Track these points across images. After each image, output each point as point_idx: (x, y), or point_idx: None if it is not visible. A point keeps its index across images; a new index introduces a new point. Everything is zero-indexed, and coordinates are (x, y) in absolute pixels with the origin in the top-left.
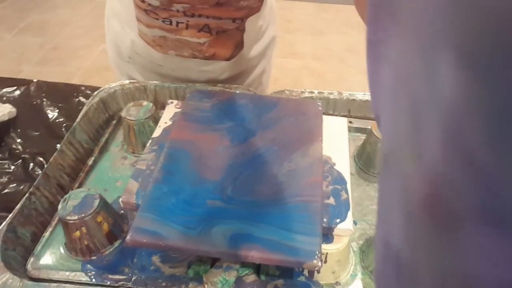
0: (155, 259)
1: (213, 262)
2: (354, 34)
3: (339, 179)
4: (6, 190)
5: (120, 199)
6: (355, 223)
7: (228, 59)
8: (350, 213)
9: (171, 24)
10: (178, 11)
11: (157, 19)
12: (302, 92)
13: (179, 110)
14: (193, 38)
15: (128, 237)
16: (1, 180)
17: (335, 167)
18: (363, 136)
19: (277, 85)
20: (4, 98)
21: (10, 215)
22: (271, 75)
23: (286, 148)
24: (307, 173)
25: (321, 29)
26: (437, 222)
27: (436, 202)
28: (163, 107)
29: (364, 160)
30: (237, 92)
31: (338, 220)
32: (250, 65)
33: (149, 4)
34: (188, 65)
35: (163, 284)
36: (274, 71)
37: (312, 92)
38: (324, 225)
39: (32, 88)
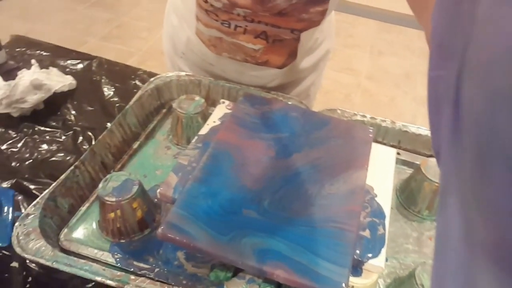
0: (180, 255)
1: (237, 270)
2: (414, 59)
3: (378, 212)
4: (53, 158)
5: (158, 191)
6: (385, 259)
7: (279, 67)
8: (384, 250)
9: (229, 27)
10: (238, 15)
11: (216, 20)
12: (355, 114)
13: (230, 111)
14: (248, 43)
15: (159, 230)
16: (51, 147)
17: (376, 198)
18: (409, 170)
19: (327, 98)
20: (67, 70)
21: (54, 184)
22: (319, 88)
23: (330, 170)
24: (346, 200)
25: (380, 48)
26: (501, 267)
27: (502, 247)
28: (213, 104)
29: (406, 195)
30: (290, 103)
31: (370, 255)
32: (300, 76)
33: (211, 5)
34: (238, 69)
35: (184, 281)
36: (326, 83)
37: (364, 116)
38: (355, 257)
39: (94, 64)
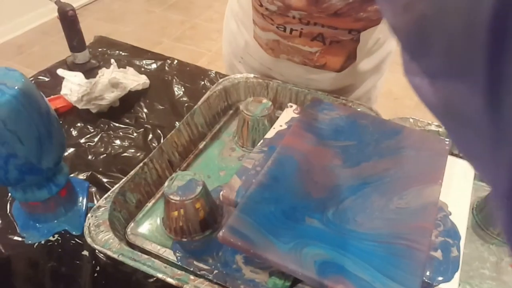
0: (239, 258)
1: (295, 280)
2: None
3: (452, 232)
4: (125, 154)
5: (221, 193)
6: (458, 284)
7: (338, 71)
8: (457, 275)
9: (284, 30)
10: (294, 17)
11: (272, 24)
12: (429, 124)
13: (297, 116)
14: (305, 46)
15: (220, 233)
16: (123, 143)
17: (450, 217)
18: (488, 187)
19: (397, 105)
20: (142, 69)
21: (124, 179)
22: (381, 91)
23: (400, 182)
24: (417, 216)
25: None
26: None
27: None
28: (280, 108)
29: (484, 215)
30: (359, 109)
31: (441, 278)
32: (361, 78)
33: (267, 9)
34: (296, 72)
35: (242, 286)
36: (396, 89)
37: (439, 126)
38: (425, 279)
39: (167, 64)
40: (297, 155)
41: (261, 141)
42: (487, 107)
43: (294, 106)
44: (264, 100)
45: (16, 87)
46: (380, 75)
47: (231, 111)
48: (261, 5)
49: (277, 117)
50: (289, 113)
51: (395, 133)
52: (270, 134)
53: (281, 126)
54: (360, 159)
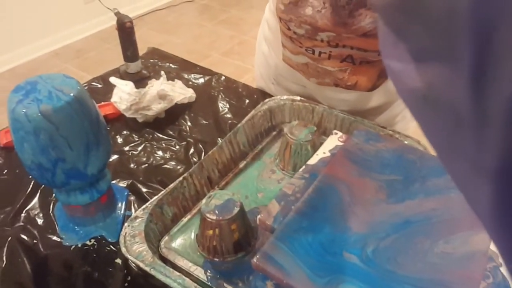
0: (269, 285)
1: None
2: None
3: (503, 286)
4: (165, 165)
5: (258, 217)
6: None
7: (370, 90)
8: None
9: (313, 53)
10: (322, 40)
11: (300, 47)
12: None
13: (342, 144)
14: (334, 68)
15: (254, 259)
16: (165, 155)
17: (501, 268)
18: None
19: None
20: (190, 83)
21: (162, 192)
22: None
23: (447, 225)
24: (464, 264)
25: None
26: None
27: None
28: (324, 133)
29: None
30: (406, 142)
31: None
32: (395, 96)
33: (295, 32)
34: (327, 93)
35: None
36: None
37: None
38: None
39: (214, 79)
40: (339, 185)
41: (303, 167)
42: (471, 90)
43: (339, 134)
44: (309, 125)
45: (71, 94)
46: None
47: (274, 132)
48: (289, 29)
49: (321, 143)
50: (333, 141)
51: (444, 171)
52: (312, 160)
53: (324, 153)
54: (405, 196)
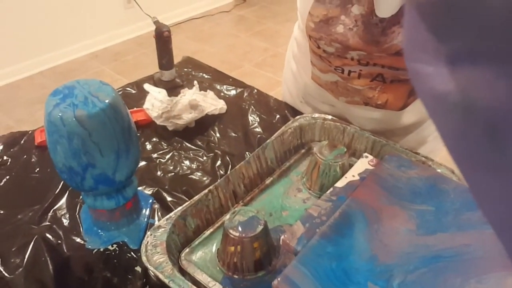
0: None
1: None
2: None
3: None
4: (191, 176)
5: (282, 237)
6: None
7: (400, 109)
8: None
9: (343, 72)
10: (352, 59)
11: (330, 66)
12: None
13: (372, 168)
14: (364, 87)
15: (275, 281)
16: (192, 165)
17: None
18: None
19: None
20: (222, 94)
21: (187, 203)
22: None
23: (480, 263)
24: None
25: None
26: None
27: None
28: (354, 154)
29: None
30: (439, 171)
31: None
32: (426, 116)
33: (324, 51)
34: (356, 112)
35: None
36: None
37: None
38: None
39: (246, 92)
40: (367, 211)
41: (331, 189)
42: None
43: (370, 157)
44: (339, 146)
45: (106, 101)
46: None
47: (303, 150)
48: (318, 47)
49: (350, 165)
50: (363, 164)
51: None
52: (341, 183)
53: (353, 176)
54: (437, 228)
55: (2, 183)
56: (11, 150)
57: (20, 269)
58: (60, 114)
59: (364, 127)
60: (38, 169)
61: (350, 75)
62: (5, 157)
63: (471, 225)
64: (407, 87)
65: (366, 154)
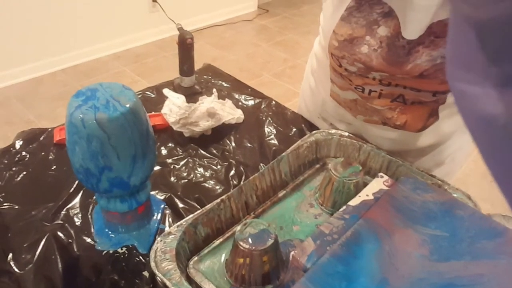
0: None
1: None
2: None
3: None
4: (204, 183)
5: (292, 253)
6: None
7: (419, 131)
8: None
9: (363, 91)
10: (374, 79)
11: (350, 84)
12: None
13: (387, 188)
14: (384, 107)
15: None
16: (205, 173)
17: None
18: None
19: (493, 188)
20: (240, 103)
21: (199, 212)
22: (468, 153)
23: None
24: None
25: None
26: None
27: None
28: (368, 173)
29: None
30: (455, 195)
31: None
32: (444, 138)
33: (346, 69)
34: (374, 132)
35: None
36: None
37: None
38: None
39: (264, 103)
40: (380, 233)
41: (344, 207)
42: None
43: (385, 177)
44: (355, 164)
45: (127, 106)
46: (467, 135)
47: (317, 165)
48: (340, 66)
49: (364, 183)
50: (378, 184)
51: (496, 234)
52: (354, 201)
53: (367, 195)
54: (450, 255)
55: (19, 179)
56: (30, 146)
57: (30, 265)
58: (81, 116)
59: (380, 147)
60: (54, 166)
61: (370, 94)
62: (23, 153)
63: (485, 254)
64: (428, 109)
65: (381, 174)
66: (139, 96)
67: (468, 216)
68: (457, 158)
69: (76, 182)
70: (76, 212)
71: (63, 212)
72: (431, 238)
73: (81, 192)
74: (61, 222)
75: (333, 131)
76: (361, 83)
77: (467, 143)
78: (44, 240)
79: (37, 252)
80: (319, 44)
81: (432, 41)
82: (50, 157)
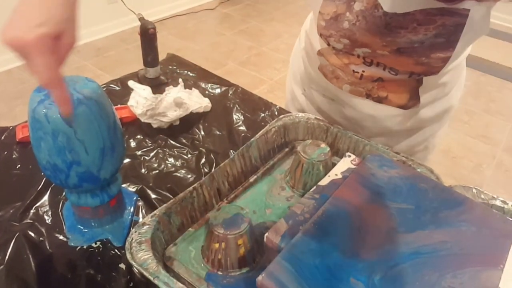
0: None
1: None
2: None
3: None
4: (176, 173)
5: (266, 235)
6: None
7: (402, 107)
8: None
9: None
10: (358, 56)
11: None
12: (493, 198)
13: (354, 167)
14: (366, 83)
15: (260, 277)
16: (176, 162)
17: None
18: None
19: (454, 163)
20: (206, 92)
21: (172, 201)
22: (440, 142)
23: (456, 259)
24: None
25: None
26: None
27: None
28: (337, 154)
29: None
30: (419, 170)
31: None
32: (421, 125)
33: (333, 48)
34: (356, 105)
35: None
36: (456, 148)
37: (505, 203)
38: None
39: (231, 91)
40: (349, 210)
41: (314, 187)
42: None
43: (352, 157)
44: (323, 145)
45: (92, 98)
46: (440, 125)
47: (286, 149)
48: (328, 44)
49: (333, 164)
50: (346, 163)
51: (456, 204)
52: (324, 181)
53: (336, 175)
54: (416, 226)
55: None
56: None
57: (1, 266)
58: (44, 111)
59: (361, 123)
60: (19, 165)
61: (353, 74)
62: None
63: (448, 223)
64: (407, 87)
65: (348, 153)
66: (104, 89)
67: (431, 188)
68: (430, 145)
69: (44, 180)
70: (45, 210)
71: (32, 211)
72: (397, 212)
73: (50, 189)
74: (31, 221)
75: (300, 114)
76: (347, 63)
77: (439, 133)
78: (14, 240)
79: (8, 253)
80: (310, 25)
81: (414, 28)
82: (14, 156)
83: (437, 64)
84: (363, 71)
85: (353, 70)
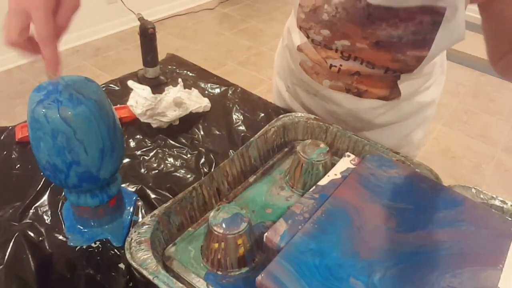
0: None
1: None
2: None
3: None
4: (175, 173)
5: (265, 234)
6: None
7: (383, 99)
8: None
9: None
10: (336, 50)
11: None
12: (493, 198)
13: (354, 167)
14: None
15: (259, 277)
16: (176, 162)
17: None
18: None
19: (454, 163)
20: (206, 92)
21: (171, 201)
22: (427, 139)
23: (455, 259)
24: None
25: None
26: None
27: None
28: (336, 153)
29: None
30: (418, 170)
31: None
32: (402, 118)
33: (313, 40)
34: (338, 100)
35: None
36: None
37: (504, 202)
38: None
39: (231, 91)
40: (349, 209)
41: (314, 187)
42: None
43: (352, 157)
44: (322, 145)
45: (91, 98)
46: (424, 119)
47: (286, 149)
48: (308, 37)
49: (332, 164)
50: (345, 163)
51: (456, 203)
52: (323, 181)
53: (336, 175)
54: (416, 226)
55: None
56: None
57: (1, 266)
58: (44, 111)
59: (344, 118)
60: (18, 165)
61: (331, 69)
62: None
63: (447, 223)
64: (385, 82)
65: (348, 153)
66: (103, 89)
67: (430, 188)
68: (415, 140)
69: (43, 180)
70: (45, 210)
71: (31, 211)
72: (397, 211)
73: (49, 189)
74: (30, 221)
75: (299, 114)
76: (325, 56)
77: (423, 128)
78: (13, 240)
79: (7, 253)
80: (291, 21)
81: (395, 23)
82: (13, 156)
83: (412, 62)
84: (341, 65)
85: (331, 64)
